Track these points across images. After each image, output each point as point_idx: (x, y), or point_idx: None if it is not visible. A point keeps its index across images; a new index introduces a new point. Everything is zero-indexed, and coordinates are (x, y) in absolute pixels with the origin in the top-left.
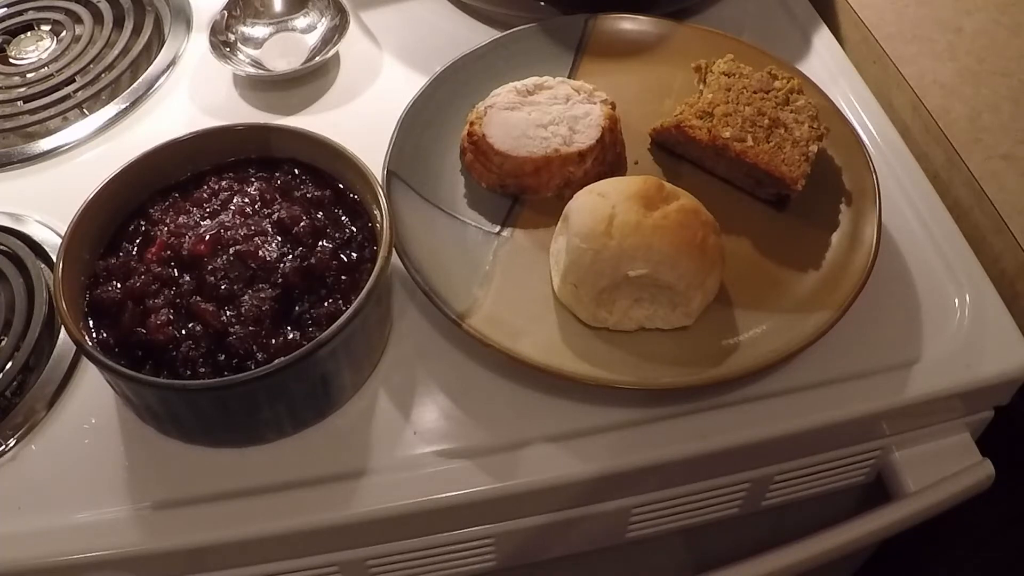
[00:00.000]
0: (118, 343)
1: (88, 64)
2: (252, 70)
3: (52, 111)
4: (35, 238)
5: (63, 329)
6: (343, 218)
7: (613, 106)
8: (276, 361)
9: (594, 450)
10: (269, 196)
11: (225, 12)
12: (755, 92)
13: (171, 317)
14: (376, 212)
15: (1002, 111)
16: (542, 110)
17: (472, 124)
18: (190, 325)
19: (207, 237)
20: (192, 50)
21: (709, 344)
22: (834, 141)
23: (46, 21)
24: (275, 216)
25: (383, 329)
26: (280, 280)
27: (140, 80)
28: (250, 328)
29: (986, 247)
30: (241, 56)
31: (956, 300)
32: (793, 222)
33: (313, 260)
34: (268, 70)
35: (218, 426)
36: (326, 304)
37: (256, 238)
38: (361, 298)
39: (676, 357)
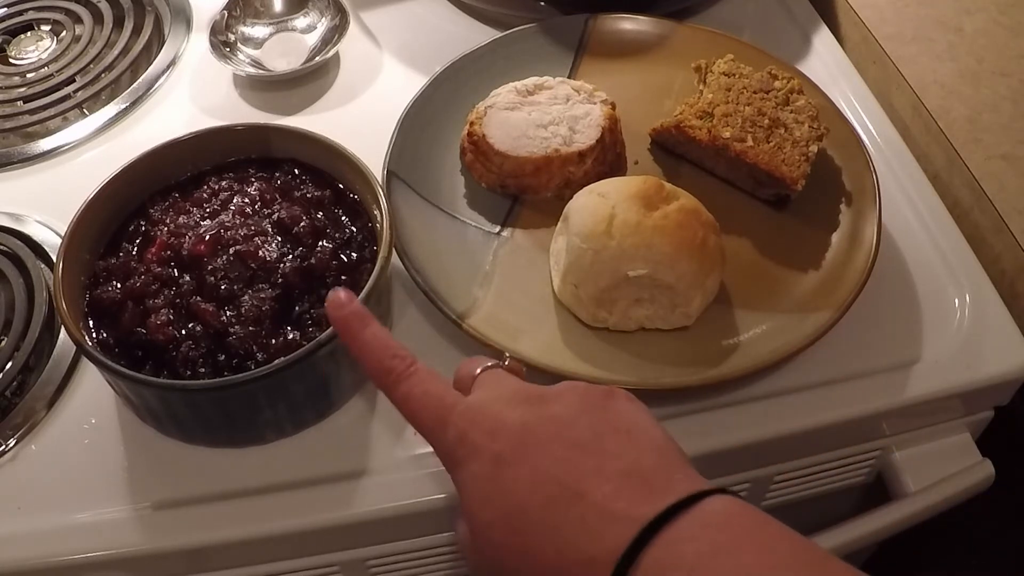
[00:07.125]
0: (118, 343)
1: (88, 64)
2: (252, 70)
3: (52, 111)
4: (35, 238)
5: (63, 329)
6: (343, 218)
7: (613, 106)
8: (276, 361)
9: None
10: (269, 196)
11: (225, 12)
12: (755, 92)
13: (171, 317)
14: (376, 212)
15: (1002, 111)
16: (542, 110)
17: (472, 124)
18: (190, 325)
19: (207, 237)
20: (192, 50)
21: (709, 344)
22: (834, 141)
23: (46, 21)
24: (275, 216)
25: None
26: (280, 280)
27: (140, 80)
28: (250, 328)
29: (986, 247)
30: (241, 56)
31: (956, 300)
32: (793, 222)
33: (313, 260)
34: (268, 70)
35: (218, 426)
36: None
37: (256, 238)
38: (361, 298)
39: (676, 357)
